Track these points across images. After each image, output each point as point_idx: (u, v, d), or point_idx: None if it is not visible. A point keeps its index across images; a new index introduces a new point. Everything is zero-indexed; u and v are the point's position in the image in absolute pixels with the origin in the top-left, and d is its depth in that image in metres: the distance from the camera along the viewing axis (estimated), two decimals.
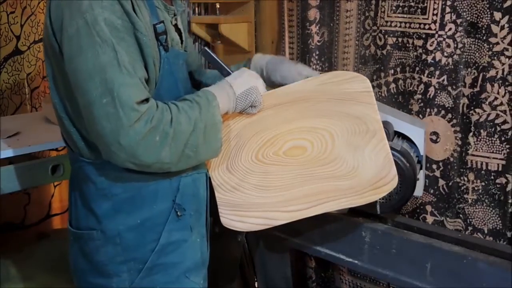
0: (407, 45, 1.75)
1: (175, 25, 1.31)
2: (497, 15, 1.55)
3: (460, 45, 1.63)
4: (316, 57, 1.99)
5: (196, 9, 2.44)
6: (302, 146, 1.31)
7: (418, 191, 1.44)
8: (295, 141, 1.32)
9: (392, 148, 1.34)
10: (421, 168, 1.47)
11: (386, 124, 1.44)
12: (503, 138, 1.57)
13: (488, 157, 1.60)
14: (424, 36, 1.69)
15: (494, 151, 1.59)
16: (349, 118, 1.29)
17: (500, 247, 1.29)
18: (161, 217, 1.26)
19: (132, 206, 1.24)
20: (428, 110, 1.71)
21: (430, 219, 1.71)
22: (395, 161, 1.33)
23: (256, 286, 1.87)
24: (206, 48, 1.39)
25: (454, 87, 1.66)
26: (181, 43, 1.34)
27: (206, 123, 1.19)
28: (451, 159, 1.67)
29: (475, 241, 1.32)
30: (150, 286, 1.26)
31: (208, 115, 1.20)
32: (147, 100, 1.12)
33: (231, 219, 1.38)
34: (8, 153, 1.67)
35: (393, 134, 1.45)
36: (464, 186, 1.65)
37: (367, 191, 1.23)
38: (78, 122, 1.20)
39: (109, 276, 1.26)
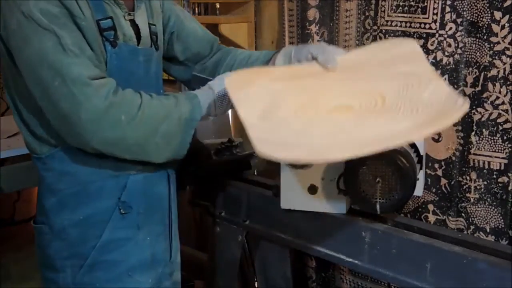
0: None
1: (132, 21, 1.30)
2: (497, 15, 1.55)
3: (461, 45, 1.63)
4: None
5: (196, 9, 2.44)
6: (348, 105, 1.19)
7: (418, 191, 1.44)
8: (340, 102, 1.20)
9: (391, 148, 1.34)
10: (421, 168, 1.47)
11: None
12: (505, 137, 1.58)
13: (490, 156, 1.60)
14: (424, 35, 1.70)
15: (496, 150, 1.59)
16: (401, 77, 1.22)
17: (500, 247, 1.29)
18: (105, 214, 1.26)
19: (76, 202, 1.25)
20: None
21: (432, 218, 1.72)
22: (395, 161, 1.33)
23: (256, 286, 1.87)
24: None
25: (455, 86, 1.66)
26: (139, 38, 1.31)
27: (181, 115, 1.19)
28: (453, 158, 1.68)
29: (475, 241, 1.32)
30: (91, 283, 1.28)
31: (185, 109, 1.20)
32: (102, 77, 1.13)
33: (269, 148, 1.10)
34: (8, 153, 1.67)
35: None
36: (466, 185, 1.66)
37: (436, 120, 1.09)
38: (27, 116, 1.22)
39: (56, 271, 1.29)
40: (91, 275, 1.27)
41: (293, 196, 1.49)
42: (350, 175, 1.37)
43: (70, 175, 1.24)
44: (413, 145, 1.47)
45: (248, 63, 1.48)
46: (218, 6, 2.29)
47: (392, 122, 1.13)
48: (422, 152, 1.48)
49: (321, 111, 1.18)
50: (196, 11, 2.44)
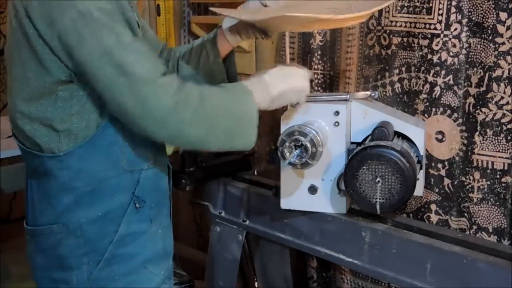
0: (412, 45, 1.74)
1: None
2: (503, 15, 1.55)
3: (466, 45, 1.63)
4: (318, 57, 1.99)
5: (196, 9, 2.44)
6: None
7: (418, 191, 1.44)
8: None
9: (392, 148, 1.34)
10: (421, 168, 1.47)
11: (386, 124, 1.44)
12: (509, 137, 1.57)
13: (494, 156, 1.60)
14: (429, 36, 1.70)
15: (500, 150, 1.59)
16: None
17: (500, 247, 1.29)
18: (121, 209, 1.27)
19: (93, 199, 1.25)
20: (433, 109, 1.70)
21: (434, 218, 1.71)
22: (395, 161, 1.33)
23: (256, 286, 1.88)
24: None
25: (460, 86, 1.66)
26: None
27: (240, 111, 1.20)
28: (457, 158, 1.68)
29: (475, 241, 1.32)
30: (108, 277, 1.28)
31: (243, 104, 1.21)
32: (165, 73, 1.14)
33: None
34: (8, 153, 1.67)
35: (393, 134, 1.45)
36: (470, 185, 1.65)
37: None
38: (51, 113, 1.21)
39: (70, 269, 1.27)
40: (108, 269, 1.28)
41: (293, 196, 1.49)
42: (350, 175, 1.38)
43: (87, 172, 1.24)
44: (413, 145, 1.48)
45: (196, 44, 1.51)
46: (218, 6, 2.29)
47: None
48: (422, 152, 1.48)
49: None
50: (196, 11, 2.44)
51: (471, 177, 1.65)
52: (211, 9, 1.40)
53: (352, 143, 1.48)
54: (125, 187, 1.28)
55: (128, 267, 1.30)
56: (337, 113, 1.45)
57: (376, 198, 1.36)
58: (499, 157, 1.60)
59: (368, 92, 1.55)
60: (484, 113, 1.61)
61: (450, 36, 1.66)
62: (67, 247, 1.27)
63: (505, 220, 1.60)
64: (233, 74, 1.50)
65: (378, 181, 1.35)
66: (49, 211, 1.28)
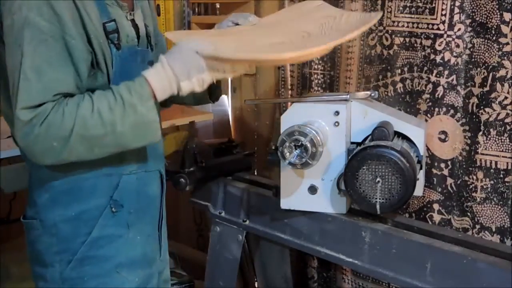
0: (415, 45, 1.74)
1: (132, 20, 1.31)
2: (507, 16, 1.55)
3: (469, 45, 1.63)
4: (318, 56, 1.99)
5: (196, 9, 2.44)
6: (280, 42, 1.27)
7: (418, 191, 1.44)
8: (273, 40, 1.28)
9: (392, 148, 1.34)
10: (421, 168, 1.47)
11: (386, 124, 1.44)
12: None
13: (497, 156, 1.60)
14: (432, 36, 1.69)
15: (504, 150, 1.59)
16: (317, 20, 1.38)
17: (500, 247, 1.28)
18: (96, 211, 1.27)
19: (69, 199, 1.26)
20: (436, 109, 1.70)
21: (437, 217, 1.71)
22: (395, 161, 1.33)
23: (256, 286, 1.88)
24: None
25: (463, 86, 1.66)
26: (138, 38, 1.31)
27: (132, 123, 1.15)
28: (460, 157, 1.68)
29: (475, 241, 1.32)
30: (78, 277, 1.28)
31: (136, 116, 1.15)
32: (39, 105, 1.11)
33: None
34: (8, 153, 1.67)
35: (393, 134, 1.45)
36: (473, 185, 1.65)
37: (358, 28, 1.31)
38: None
39: (45, 266, 1.29)
40: (79, 269, 1.27)
41: (293, 196, 1.49)
42: (350, 175, 1.38)
43: (63, 172, 1.23)
44: (413, 145, 1.48)
45: None
46: (218, 6, 2.29)
47: (320, 39, 1.28)
48: (422, 153, 1.48)
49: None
50: (196, 11, 2.44)
51: (475, 177, 1.65)
52: (166, 34, 1.39)
53: (352, 143, 1.48)
54: (102, 190, 1.27)
55: (100, 269, 1.29)
56: (337, 113, 1.44)
57: (376, 198, 1.35)
58: (503, 156, 1.60)
59: (368, 92, 1.55)
60: (488, 113, 1.61)
61: (454, 36, 1.66)
62: (43, 243, 1.28)
63: (508, 220, 1.60)
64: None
65: (378, 181, 1.35)
66: (32, 206, 1.30)
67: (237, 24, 1.41)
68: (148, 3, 1.44)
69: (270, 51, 1.19)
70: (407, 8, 1.75)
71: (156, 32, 1.48)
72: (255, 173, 1.90)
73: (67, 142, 1.11)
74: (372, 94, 1.54)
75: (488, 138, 1.61)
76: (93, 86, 1.20)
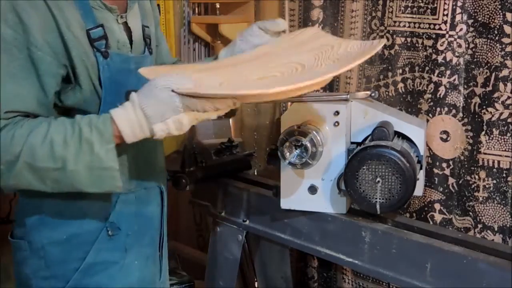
0: (417, 45, 1.74)
1: (125, 23, 1.19)
2: (510, 16, 1.55)
3: (471, 45, 1.63)
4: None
5: (196, 9, 2.44)
6: (271, 75, 1.14)
7: (418, 191, 1.44)
8: (264, 74, 1.15)
9: (392, 148, 1.34)
10: (421, 168, 1.47)
11: (386, 124, 1.44)
12: None
13: (500, 155, 1.60)
14: (434, 36, 1.69)
15: (506, 149, 1.59)
16: (313, 50, 1.24)
17: (500, 247, 1.28)
18: (91, 235, 1.17)
19: (59, 221, 1.16)
20: (438, 109, 1.69)
21: (438, 217, 1.71)
22: (395, 161, 1.33)
23: (256, 286, 1.87)
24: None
25: (465, 86, 1.66)
26: (131, 43, 1.20)
27: (87, 164, 1.01)
28: (462, 157, 1.67)
29: (475, 241, 1.32)
30: None
31: (92, 157, 1.01)
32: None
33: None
34: None
35: (393, 134, 1.45)
36: (475, 184, 1.65)
37: (358, 57, 1.16)
38: None
39: None
40: None
41: (293, 196, 1.49)
42: (350, 175, 1.37)
43: (53, 192, 1.10)
44: (413, 145, 1.48)
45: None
46: (218, 6, 2.29)
47: (313, 71, 1.14)
48: (422, 153, 1.48)
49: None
50: (196, 11, 2.45)
51: (477, 176, 1.65)
52: (140, 71, 1.12)
53: (352, 143, 1.48)
54: (97, 211, 1.17)
55: None
56: (337, 113, 1.44)
57: (376, 198, 1.35)
58: (505, 156, 1.60)
59: (368, 92, 1.55)
60: (490, 112, 1.61)
61: (456, 37, 1.66)
62: (30, 266, 1.20)
63: (510, 219, 1.60)
64: None
65: (378, 181, 1.35)
66: (20, 225, 1.22)
67: (265, 30, 1.29)
68: (150, 1, 1.34)
69: (255, 86, 1.07)
70: (409, 8, 1.75)
71: (158, 32, 1.39)
72: (255, 173, 1.90)
73: (13, 167, 1.00)
74: (372, 94, 1.54)
75: (490, 138, 1.61)
76: (69, 103, 1.11)
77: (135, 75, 1.14)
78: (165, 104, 1.00)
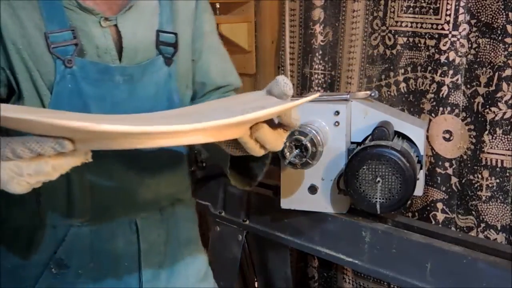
0: (419, 45, 1.73)
1: (115, 27, 1.02)
2: None
3: (474, 45, 1.63)
4: (319, 56, 1.98)
5: None
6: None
7: (418, 191, 1.43)
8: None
9: (392, 148, 1.34)
10: (421, 168, 1.47)
11: (386, 124, 1.44)
12: None
13: (503, 155, 1.59)
14: (436, 36, 1.69)
15: (510, 149, 1.58)
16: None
17: (500, 247, 1.28)
18: (35, 269, 1.02)
19: (7, 248, 1.04)
20: (441, 109, 1.69)
21: (441, 216, 1.71)
22: (395, 161, 1.32)
23: (256, 286, 1.87)
24: None
25: (468, 86, 1.65)
26: (119, 52, 1.02)
27: None
28: (465, 157, 1.67)
29: (475, 241, 1.31)
30: None
31: None
32: None
33: None
34: None
35: (393, 134, 1.45)
36: (478, 183, 1.64)
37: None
38: None
39: None
40: None
41: (293, 196, 1.48)
42: (350, 175, 1.37)
43: (4, 215, 1.01)
44: (413, 145, 1.47)
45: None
46: (218, 6, 2.29)
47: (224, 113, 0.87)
48: (422, 152, 1.48)
49: None
50: None
51: (480, 176, 1.64)
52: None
53: (352, 143, 1.48)
54: (44, 243, 1.01)
55: None
56: (337, 113, 1.44)
57: (376, 198, 1.35)
58: (509, 155, 1.59)
59: (368, 92, 1.54)
60: (494, 112, 1.60)
61: (458, 36, 1.65)
62: None
63: None
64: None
65: (378, 181, 1.34)
66: None
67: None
68: (196, 6, 1.14)
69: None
70: (411, 8, 1.75)
71: (198, 44, 1.15)
72: None
73: None
74: (372, 94, 1.54)
75: (494, 137, 1.61)
76: None
77: (125, 87, 1.01)
78: None
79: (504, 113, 1.59)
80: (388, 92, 1.81)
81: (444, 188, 1.71)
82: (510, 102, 1.57)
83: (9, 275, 1.03)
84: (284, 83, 0.88)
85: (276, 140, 0.90)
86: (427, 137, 1.70)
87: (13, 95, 0.97)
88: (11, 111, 0.72)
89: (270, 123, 0.93)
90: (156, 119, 0.90)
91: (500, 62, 1.58)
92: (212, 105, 1.03)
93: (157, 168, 1.09)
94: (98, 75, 0.98)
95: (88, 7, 0.99)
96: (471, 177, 1.66)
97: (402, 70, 1.78)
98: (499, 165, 1.61)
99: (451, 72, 1.67)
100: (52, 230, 1.01)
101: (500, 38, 1.57)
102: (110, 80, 1.00)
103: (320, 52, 1.98)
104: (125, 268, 1.07)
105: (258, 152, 0.90)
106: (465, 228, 1.68)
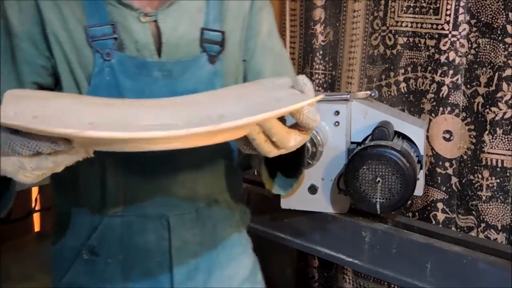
0: (419, 45, 1.74)
1: (154, 23, 1.02)
2: None
3: (474, 45, 1.63)
4: (320, 56, 1.98)
5: None
6: (169, 124, 0.78)
7: (418, 191, 1.43)
8: (160, 122, 0.79)
9: (392, 148, 1.34)
10: (421, 168, 1.46)
11: (386, 124, 1.44)
12: None
13: (504, 155, 1.59)
14: (436, 36, 1.69)
15: (510, 149, 1.58)
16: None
17: (500, 247, 1.28)
18: (71, 253, 1.07)
19: (55, 231, 1.11)
20: (441, 109, 1.69)
21: (441, 216, 1.71)
22: (395, 161, 1.32)
23: None
24: None
25: (468, 86, 1.65)
26: (159, 47, 1.03)
27: None
28: (465, 157, 1.67)
29: (475, 241, 1.31)
30: None
31: None
32: None
33: None
34: None
35: (393, 134, 1.45)
36: (478, 183, 1.64)
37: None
38: None
39: None
40: None
41: (293, 196, 1.48)
42: (350, 175, 1.37)
43: (55, 200, 1.10)
44: (413, 145, 1.47)
45: None
46: None
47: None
48: (422, 152, 1.48)
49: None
50: None
51: (480, 176, 1.64)
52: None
53: (352, 143, 1.47)
54: (80, 230, 1.06)
55: None
56: (337, 112, 1.44)
57: (376, 198, 1.35)
58: (509, 155, 1.60)
59: (368, 92, 1.54)
60: (494, 112, 1.60)
61: (458, 36, 1.65)
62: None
63: None
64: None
65: (378, 181, 1.34)
66: None
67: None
68: (252, 6, 1.12)
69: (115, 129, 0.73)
70: (411, 8, 1.75)
71: (250, 44, 1.14)
72: (255, 173, 1.90)
73: None
74: (373, 94, 1.54)
75: (494, 137, 1.61)
76: None
77: (164, 83, 1.01)
78: None
79: (504, 113, 1.59)
80: (388, 92, 1.81)
81: (444, 188, 1.71)
82: (510, 102, 1.57)
83: (55, 255, 1.10)
84: (303, 83, 0.86)
85: (286, 134, 0.86)
86: (427, 137, 1.70)
87: (57, 85, 1.01)
88: (19, 97, 0.76)
89: (282, 120, 0.89)
90: (169, 105, 0.87)
91: (500, 62, 1.58)
92: (230, 91, 0.97)
93: (194, 166, 1.08)
94: (136, 70, 1.00)
95: (127, 3, 1.01)
96: (471, 177, 1.66)
97: (402, 70, 1.78)
98: (499, 165, 1.61)
99: (451, 72, 1.67)
100: (88, 217, 1.05)
101: (500, 38, 1.57)
102: (148, 75, 1.01)
103: (321, 52, 1.98)
104: (155, 263, 1.07)
105: (267, 149, 0.86)
106: (465, 228, 1.68)
